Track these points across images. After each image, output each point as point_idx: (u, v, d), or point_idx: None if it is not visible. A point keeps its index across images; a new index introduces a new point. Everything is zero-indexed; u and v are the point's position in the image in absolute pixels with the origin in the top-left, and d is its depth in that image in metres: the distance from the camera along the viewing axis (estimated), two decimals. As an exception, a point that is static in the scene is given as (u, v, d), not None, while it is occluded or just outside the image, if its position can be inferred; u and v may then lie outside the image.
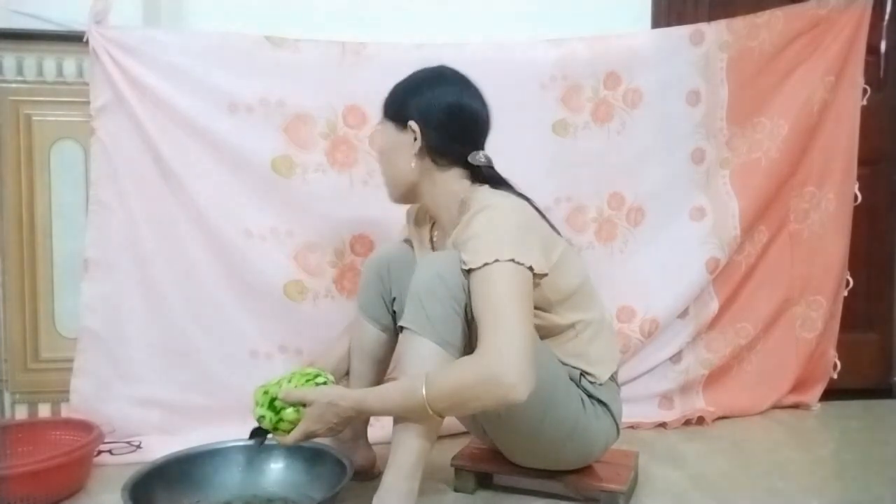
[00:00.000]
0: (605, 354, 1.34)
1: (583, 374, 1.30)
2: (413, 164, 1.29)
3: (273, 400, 1.20)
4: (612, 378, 1.36)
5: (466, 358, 1.11)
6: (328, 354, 1.51)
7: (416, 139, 1.27)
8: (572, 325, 1.29)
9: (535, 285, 1.19)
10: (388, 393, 1.16)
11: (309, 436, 1.19)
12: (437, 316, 1.14)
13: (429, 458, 1.17)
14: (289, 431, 1.19)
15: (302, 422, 1.19)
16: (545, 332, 1.27)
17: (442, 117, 1.27)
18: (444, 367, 1.12)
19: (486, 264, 1.11)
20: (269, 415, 1.20)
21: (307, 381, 1.21)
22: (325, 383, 1.22)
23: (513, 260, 1.12)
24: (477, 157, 1.29)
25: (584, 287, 1.32)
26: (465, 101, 1.29)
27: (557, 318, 1.27)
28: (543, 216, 1.29)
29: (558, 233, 1.31)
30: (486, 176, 1.30)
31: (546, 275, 1.20)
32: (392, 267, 1.40)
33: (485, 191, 1.27)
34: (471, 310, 1.14)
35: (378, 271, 1.41)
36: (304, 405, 1.19)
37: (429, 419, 1.12)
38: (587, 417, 1.28)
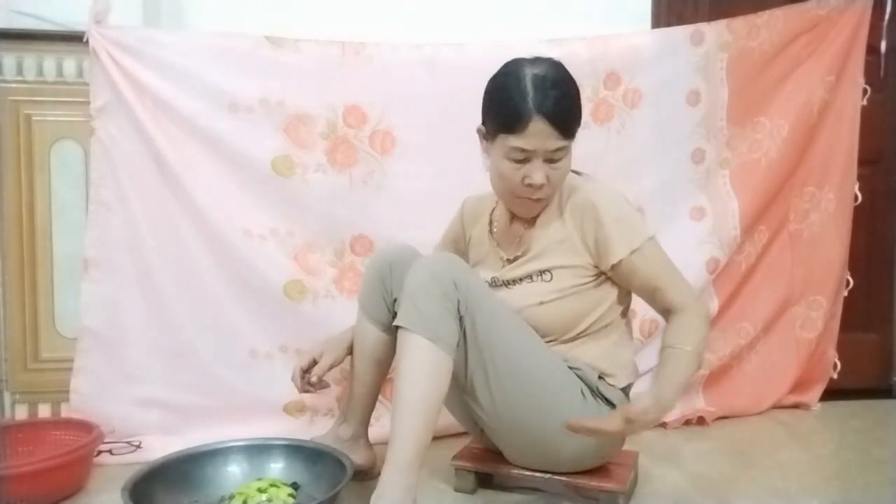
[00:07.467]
0: (628, 363, 1.38)
1: (601, 375, 1.32)
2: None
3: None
4: (626, 391, 1.37)
5: (684, 316, 1.26)
6: (334, 341, 1.48)
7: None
8: (612, 323, 1.34)
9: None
10: (676, 373, 1.22)
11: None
12: (430, 313, 1.17)
13: (427, 454, 1.17)
14: None
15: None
16: (596, 325, 1.32)
17: None
18: (683, 331, 1.24)
19: (639, 248, 1.26)
20: None
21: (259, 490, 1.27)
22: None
23: (652, 237, 1.29)
24: None
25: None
26: None
27: (611, 314, 1.34)
28: None
29: None
30: None
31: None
32: (394, 268, 1.39)
33: (575, 177, 1.36)
34: (462, 307, 1.19)
35: (380, 272, 1.40)
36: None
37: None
38: (587, 410, 1.28)
